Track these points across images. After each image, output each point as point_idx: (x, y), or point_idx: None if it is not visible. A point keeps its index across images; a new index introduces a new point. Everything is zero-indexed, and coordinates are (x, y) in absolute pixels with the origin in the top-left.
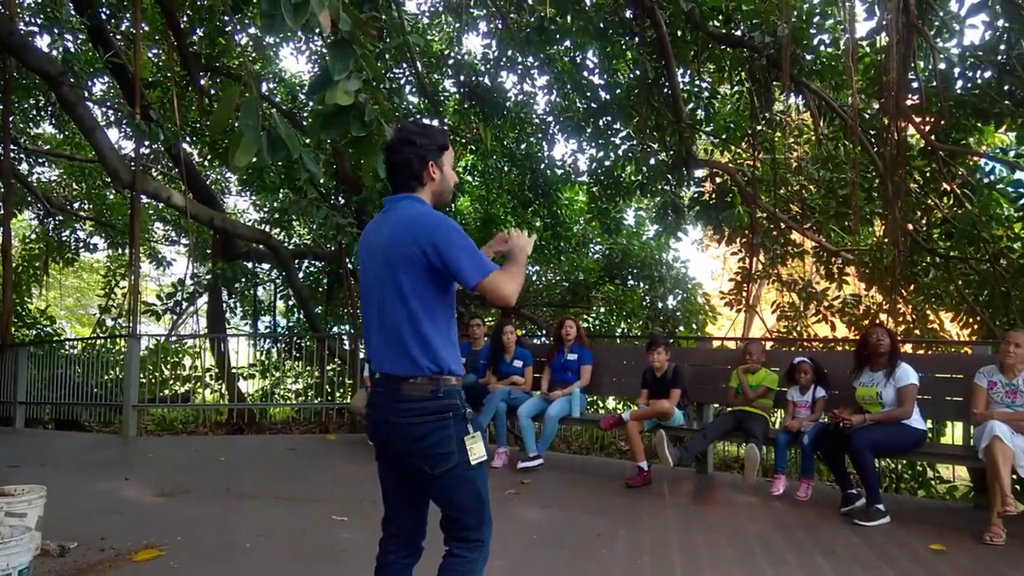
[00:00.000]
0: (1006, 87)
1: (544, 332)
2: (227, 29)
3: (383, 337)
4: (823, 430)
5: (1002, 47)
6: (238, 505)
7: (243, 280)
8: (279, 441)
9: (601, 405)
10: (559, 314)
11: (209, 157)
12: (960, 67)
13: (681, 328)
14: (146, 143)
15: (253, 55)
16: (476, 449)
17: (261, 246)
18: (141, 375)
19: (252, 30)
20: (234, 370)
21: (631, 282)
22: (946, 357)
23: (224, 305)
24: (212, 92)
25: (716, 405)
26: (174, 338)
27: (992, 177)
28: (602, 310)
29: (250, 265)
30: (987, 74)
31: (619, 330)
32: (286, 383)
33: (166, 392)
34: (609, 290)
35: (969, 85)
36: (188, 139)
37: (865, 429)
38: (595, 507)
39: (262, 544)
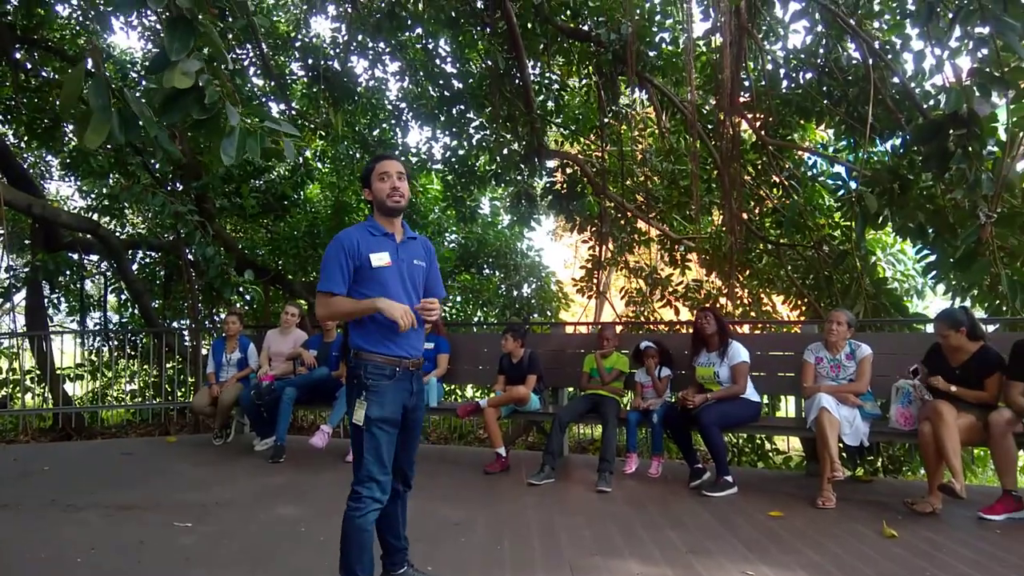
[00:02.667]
0: (825, 87)
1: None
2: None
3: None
4: (671, 409)
5: (821, 51)
6: (65, 518)
7: (68, 273)
8: (113, 446)
9: (459, 394)
10: None
11: (26, 138)
12: (785, 68)
13: (536, 315)
14: None
15: (77, 28)
16: (357, 413)
17: (88, 235)
18: None
19: (75, 0)
20: (59, 371)
21: (487, 271)
22: (778, 336)
23: (46, 300)
24: (28, 67)
25: (570, 389)
26: None
27: (815, 170)
28: (458, 299)
29: (76, 256)
30: (808, 75)
31: (476, 318)
32: (120, 383)
33: None
34: (465, 279)
35: (793, 85)
36: (2, 118)
37: (710, 407)
38: (454, 496)
39: (94, 558)
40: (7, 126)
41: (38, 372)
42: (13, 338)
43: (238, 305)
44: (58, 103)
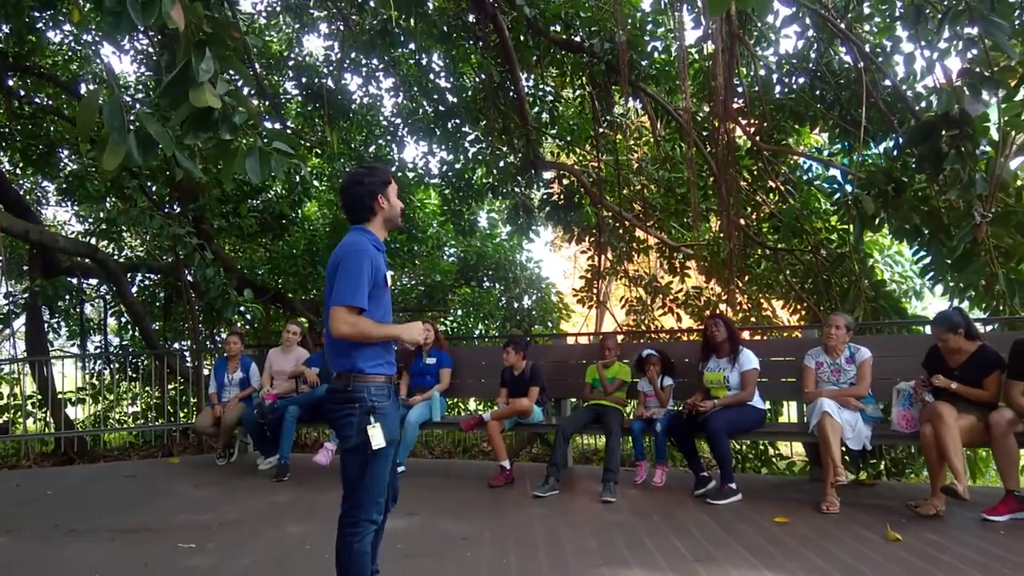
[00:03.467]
0: (818, 91)
1: None
2: (38, 26)
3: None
4: (675, 417)
5: (812, 55)
6: (68, 542)
7: (67, 298)
8: (116, 469)
9: (462, 407)
10: (415, 318)
11: (22, 164)
12: (777, 73)
13: (537, 326)
14: None
15: (69, 54)
16: (375, 438)
17: (86, 260)
18: None
19: (67, 27)
20: (60, 395)
21: (487, 284)
22: (779, 342)
23: (46, 325)
24: (21, 94)
25: (573, 400)
26: None
27: (810, 175)
28: (459, 312)
29: (75, 281)
30: (801, 80)
31: (477, 331)
32: (122, 406)
33: None
34: (465, 292)
35: (786, 90)
36: None
37: (718, 413)
38: (459, 510)
39: None
40: (2, 153)
41: (39, 397)
42: (14, 364)
43: (239, 325)
44: (76, 128)
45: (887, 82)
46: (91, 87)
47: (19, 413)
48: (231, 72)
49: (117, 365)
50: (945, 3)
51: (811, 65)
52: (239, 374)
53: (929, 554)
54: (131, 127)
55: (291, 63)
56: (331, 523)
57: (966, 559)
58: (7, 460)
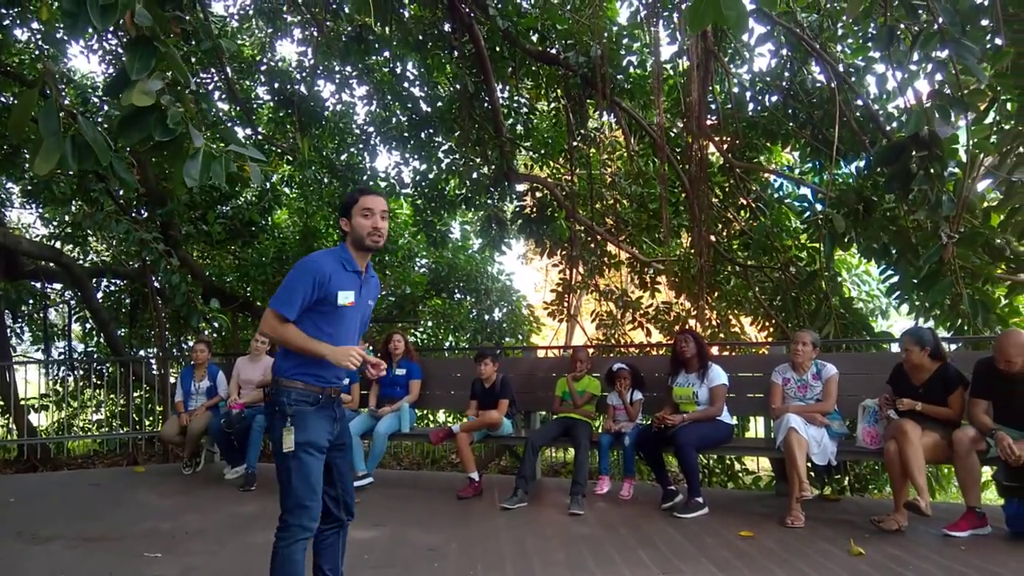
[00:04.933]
0: (790, 110)
1: (371, 348)
2: (4, 23)
3: None
4: (644, 431)
5: (786, 74)
6: (31, 550)
7: (31, 302)
8: (80, 477)
9: (431, 419)
10: (386, 329)
11: None
12: (751, 91)
13: (508, 339)
14: None
15: (37, 52)
16: (286, 440)
17: (51, 264)
18: None
19: (35, 25)
20: (23, 402)
21: (457, 295)
22: (747, 358)
23: (8, 330)
24: None
25: (542, 413)
26: None
27: (781, 192)
28: (429, 324)
29: (39, 285)
30: (774, 98)
31: (447, 343)
32: (87, 413)
33: None
34: (436, 304)
35: (759, 108)
36: None
37: (687, 427)
38: (427, 522)
39: None
40: None
41: (1, 403)
42: None
43: (206, 333)
44: (8, 127)
45: (859, 102)
46: (59, 87)
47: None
48: (204, 75)
49: (81, 372)
50: (917, 27)
51: (784, 84)
52: (206, 382)
53: (891, 568)
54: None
55: (263, 68)
56: None
57: (928, 573)
58: None
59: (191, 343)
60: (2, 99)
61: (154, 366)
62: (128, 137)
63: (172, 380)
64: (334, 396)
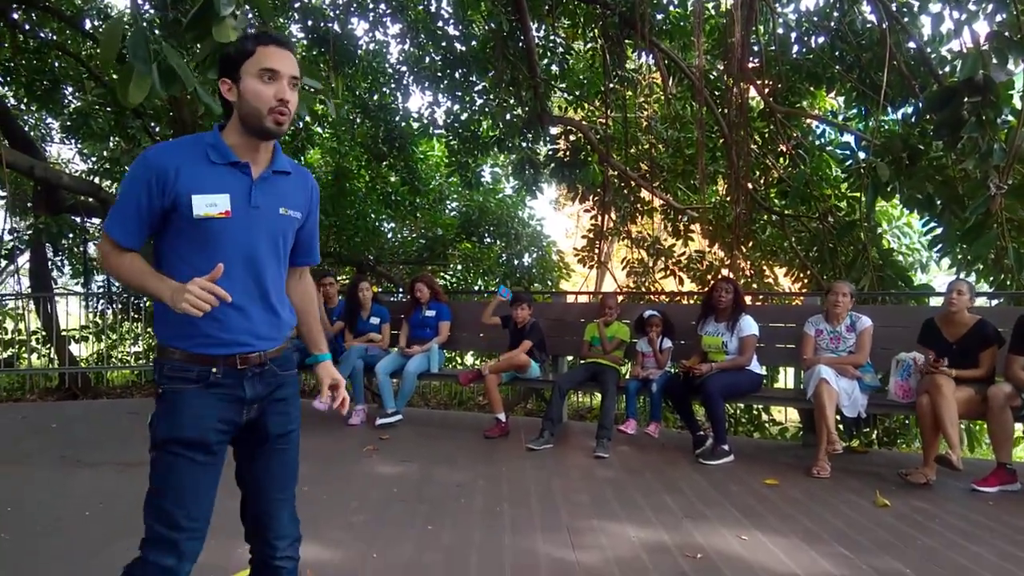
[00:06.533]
0: (837, 52)
1: (401, 290)
2: None
3: None
4: (672, 379)
5: (835, 14)
6: (75, 473)
7: (71, 236)
8: (119, 406)
9: (459, 361)
10: (416, 271)
11: (26, 100)
12: (797, 32)
13: (537, 284)
14: None
15: None
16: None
17: (90, 199)
18: None
19: None
20: (64, 332)
21: (488, 239)
22: (778, 308)
23: (50, 263)
24: (26, 28)
25: (570, 357)
26: None
27: (823, 139)
28: (459, 267)
29: (78, 220)
30: (821, 39)
31: (476, 287)
32: (125, 345)
33: None
34: (466, 248)
35: (804, 50)
36: (1, 80)
37: (715, 376)
38: (454, 459)
39: (103, 512)
40: (7, 88)
41: (44, 333)
42: (19, 299)
43: None
44: (98, 57)
45: (911, 44)
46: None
47: (24, 348)
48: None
49: (120, 305)
50: None
51: (832, 24)
52: None
53: (917, 521)
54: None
55: (297, 5)
56: (328, 467)
57: (953, 527)
58: (12, 393)
59: None
60: (41, 35)
61: None
62: (217, 72)
63: None
64: (244, 367)
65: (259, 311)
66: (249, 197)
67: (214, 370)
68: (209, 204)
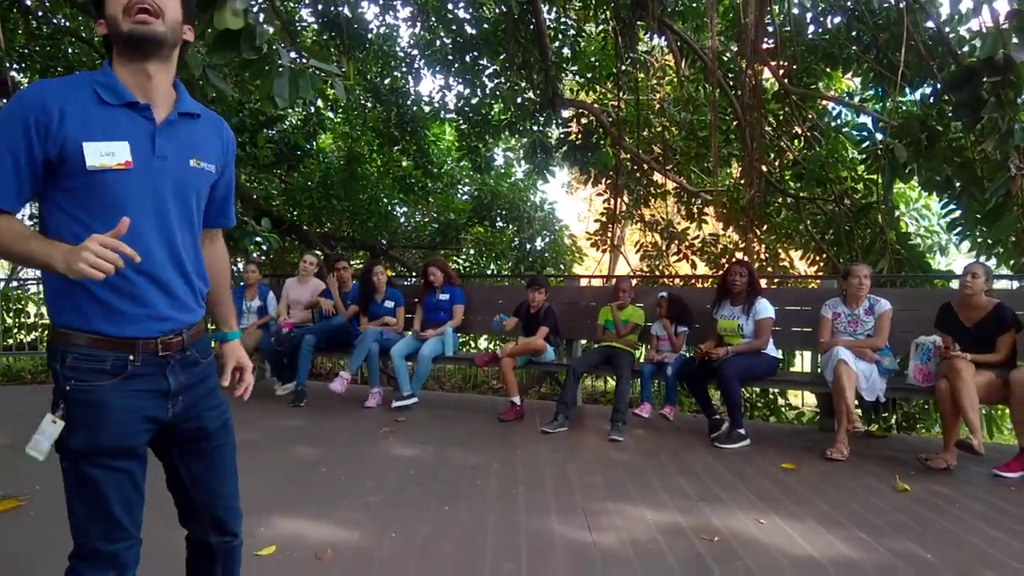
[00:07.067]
0: (854, 32)
1: (415, 274)
2: None
3: None
4: (687, 363)
5: None
6: None
7: None
8: None
9: (473, 345)
10: (429, 256)
11: None
12: (812, 12)
13: (549, 268)
14: None
15: None
16: (45, 433)
17: None
18: None
19: None
20: None
21: (500, 223)
22: (795, 291)
23: None
24: (39, 14)
25: (584, 341)
26: (15, 284)
27: (839, 121)
28: (471, 251)
29: None
30: (837, 19)
31: (489, 271)
32: None
33: (10, 341)
34: (478, 232)
35: (820, 30)
36: (15, 66)
37: (731, 359)
38: (469, 442)
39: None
40: (22, 74)
41: None
42: (40, 284)
43: (255, 255)
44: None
45: (929, 24)
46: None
47: (46, 332)
48: None
49: None
50: None
51: (849, 3)
52: (257, 302)
53: (937, 505)
54: None
55: None
56: (345, 448)
57: (974, 512)
58: (37, 376)
59: (241, 265)
60: (54, 21)
61: None
62: (219, 55)
63: None
64: (165, 353)
65: (176, 279)
66: (153, 145)
67: (131, 358)
68: (105, 153)
